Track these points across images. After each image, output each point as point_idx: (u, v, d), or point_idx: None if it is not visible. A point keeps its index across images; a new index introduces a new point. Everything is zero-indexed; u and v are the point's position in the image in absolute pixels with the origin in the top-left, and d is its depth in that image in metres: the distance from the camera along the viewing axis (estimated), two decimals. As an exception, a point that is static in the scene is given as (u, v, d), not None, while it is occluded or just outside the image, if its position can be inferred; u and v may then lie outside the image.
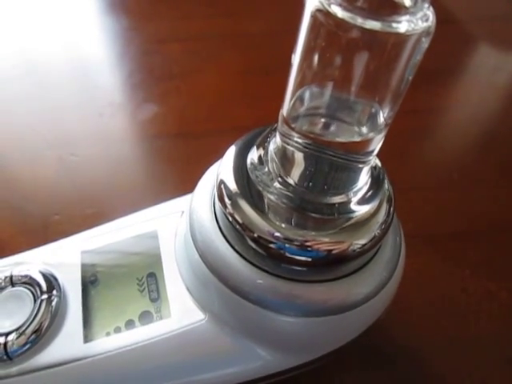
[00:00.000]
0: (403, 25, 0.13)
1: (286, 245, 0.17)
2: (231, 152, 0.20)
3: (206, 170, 0.23)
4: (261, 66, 0.48)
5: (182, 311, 0.21)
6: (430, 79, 0.46)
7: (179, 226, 0.23)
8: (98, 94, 0.45)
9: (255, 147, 0.20)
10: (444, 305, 0.31)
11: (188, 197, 0.23)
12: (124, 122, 0.43)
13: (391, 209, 0.19)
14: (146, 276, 0.23)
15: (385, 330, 0.29)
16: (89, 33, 0.52)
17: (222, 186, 0.19)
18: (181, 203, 0.25)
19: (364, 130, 0.17)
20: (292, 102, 0.17)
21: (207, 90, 0.45)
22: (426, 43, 0.14)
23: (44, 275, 0.22)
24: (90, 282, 0.23)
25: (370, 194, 0.18)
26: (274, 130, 0.19)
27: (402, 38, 0.13)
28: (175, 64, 0.48)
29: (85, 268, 0.23)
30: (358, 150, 0.17)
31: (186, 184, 0.24)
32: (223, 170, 0.19)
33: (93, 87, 0.45)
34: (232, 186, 0.18)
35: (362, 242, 0.18)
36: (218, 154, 0.21)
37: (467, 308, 0.31)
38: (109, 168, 0.38)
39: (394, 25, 0.13)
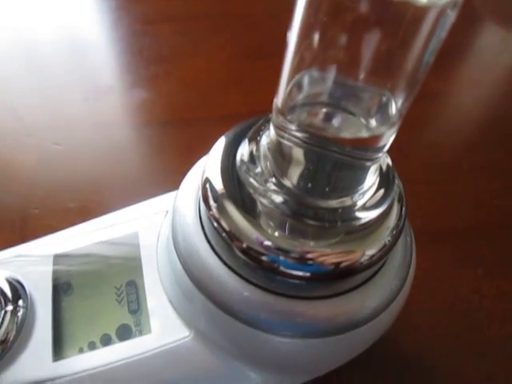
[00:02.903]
0: (425, -7, 0.10)
1: (281, 257, 0.15)
2: (219, 146, 0.17)
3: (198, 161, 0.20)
4: (256, 48, 0.45)
5: (164, 326, 0.19)
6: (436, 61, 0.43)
7: (162, 228, 0.21)
8: (84, 77, 0.42)
9: (246, 141, 0.17)
10: (455, 307, 0.29)
11: (174, 194, 0.21)
12: (111, 107, 0.40)
13: (402, 211, 0.17)
14: (125, 284, 0.20)
15: (393, 337, 0.27)
16: (75, 13, 0.49)
17: (208, 185, 0.16)
18: (165, 201, 0.22)
19: (373, 122, 0.14)
20: (288, 89, 0.14)
21: (199, 74, 0.43)
22: (452, 17, 0.11)
23: (10, 283, 0.20)
24: (62, 290, 0.20)
25: (378, 196, 0.16)
26: (268, 121, 0.16)
27: (422, 11, 0.11)
28: (165, 46, 0.45)
29: (57, 274, 0.21)
30: (365, 146, 0.15)
31: (176, 176, 0.21)
32: (210, 166, 0.17)
33: (78, 70, 0.43)
34: (218, 186, 0.16)
35: (371, 252, 0.15)
36: (211, 144, 0.18)
37: (480, 310, 0.29)
38: (94, 158, 0.36)
39: (414, -7, 0.10)
